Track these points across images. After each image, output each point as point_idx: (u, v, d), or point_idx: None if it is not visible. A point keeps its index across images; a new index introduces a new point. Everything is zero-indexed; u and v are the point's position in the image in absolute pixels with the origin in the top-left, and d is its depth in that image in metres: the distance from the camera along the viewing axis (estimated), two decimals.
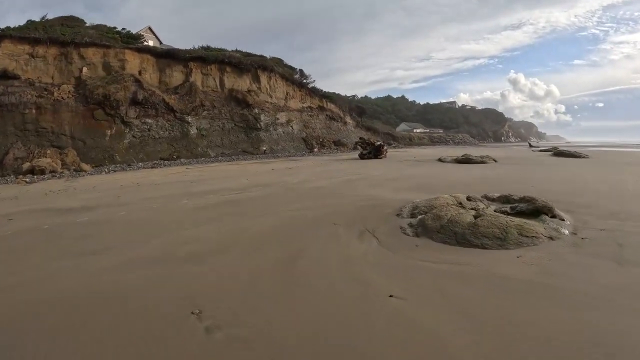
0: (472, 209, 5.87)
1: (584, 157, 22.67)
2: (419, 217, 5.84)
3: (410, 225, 5.68)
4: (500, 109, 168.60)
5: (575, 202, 7.34)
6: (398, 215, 6.43)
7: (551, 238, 4.91)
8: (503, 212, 5.77)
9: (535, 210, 5.65)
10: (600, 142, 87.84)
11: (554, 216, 5.71)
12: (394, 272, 3.90)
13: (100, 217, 7.45)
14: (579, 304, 3.14)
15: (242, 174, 15.95)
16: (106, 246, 5.29)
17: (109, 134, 24.81)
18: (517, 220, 5.12)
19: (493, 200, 6.78)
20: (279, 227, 6.09)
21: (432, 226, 5.23)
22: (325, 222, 6.21)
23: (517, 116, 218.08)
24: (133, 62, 28.78)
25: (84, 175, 17.67)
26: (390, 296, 3.29)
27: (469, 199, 6.61)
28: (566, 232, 5.25)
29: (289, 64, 44.37)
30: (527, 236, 4.77)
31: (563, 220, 5.69)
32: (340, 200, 8.41)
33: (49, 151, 21.61)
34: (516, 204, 6.02)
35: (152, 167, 21.61)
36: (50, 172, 18.20)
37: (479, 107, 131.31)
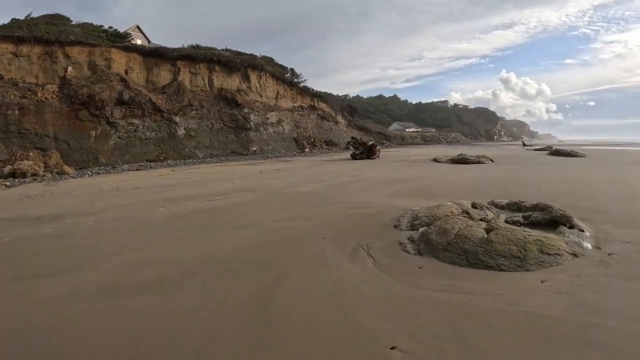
0: (481, 219, 5.15)
1: (581, 157, 22.32)
2: (421, 229, 5.05)
3: (411, 240, 4.90)
4: (492, 108, 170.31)
5: (588, 207, 6.76)
6: (396, 227, 5.65)
7: (575, 255, 4.21)
8: (515, 223, 5.09)
9: (552, 220, 4.96)
10: (592, 141, 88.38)
11: (572, 226, 5.04)
12: (395, 309, 3.12)
13: (66, 228, 6.71)
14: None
15: (229, 176, 15.12)
16: (59, 267, 4.56)
17: (93, 135, 23.87)
18: (535, 234, 4.39)
19: (502, 207, 6.07)
20: (259, 243, 5.27)
21: (438, 242, 4.46)
22: (312, 237, 5.40)
23: (509, 115, 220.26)
24: (119, 61, 27.77)
25: (66, 179, 16.82)
26: (393, 348, 2.50)
27: (474, 206, 5.89)
28: (589, 246, 4.57)
29: (284, 64, 43.71)
30: (549, 254, 4.05)
31: (583, 231, 5.02)
32: (330, 207, 7.63)
33: (31, 153, 20.72)
34: (529, 213, 5.33)
35: (137, 170, 20.72)
36: (32, 175, 17.34)
37: (471, 106, 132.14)
